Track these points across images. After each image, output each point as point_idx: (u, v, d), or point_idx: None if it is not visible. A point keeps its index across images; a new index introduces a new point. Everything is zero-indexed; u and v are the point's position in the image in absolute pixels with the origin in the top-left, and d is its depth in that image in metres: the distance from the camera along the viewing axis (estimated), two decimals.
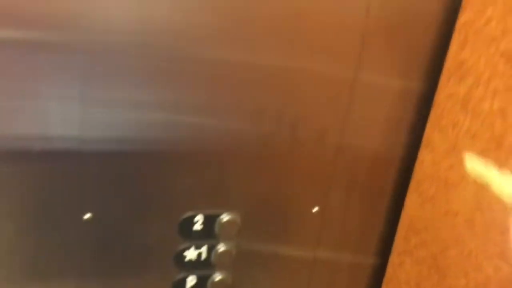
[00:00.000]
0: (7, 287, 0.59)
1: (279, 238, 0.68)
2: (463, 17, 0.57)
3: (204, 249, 0.64)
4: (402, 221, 0.68)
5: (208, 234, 0.64)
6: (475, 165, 0.55)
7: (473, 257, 0.56)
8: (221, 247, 0.65)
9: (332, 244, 0.72)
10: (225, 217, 0.63)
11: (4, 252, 0.58)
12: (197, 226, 0.63)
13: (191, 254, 0.64)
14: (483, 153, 0.55)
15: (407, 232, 0.67)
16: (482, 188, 0.55)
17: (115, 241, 0.61)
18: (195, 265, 0.65)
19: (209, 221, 0.63)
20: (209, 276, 0.66)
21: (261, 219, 0.66)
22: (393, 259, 0.70)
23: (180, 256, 0.64)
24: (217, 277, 0.66)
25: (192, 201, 0.62)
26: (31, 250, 0.58)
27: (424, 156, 0.64)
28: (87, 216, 0.58)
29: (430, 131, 0.63)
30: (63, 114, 0.53)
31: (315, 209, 0.68)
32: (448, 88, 0.60)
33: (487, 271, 0.55)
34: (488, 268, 0.54)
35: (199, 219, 0.63)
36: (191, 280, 0.65)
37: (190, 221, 0.63)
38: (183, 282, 0.65)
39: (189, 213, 0.62)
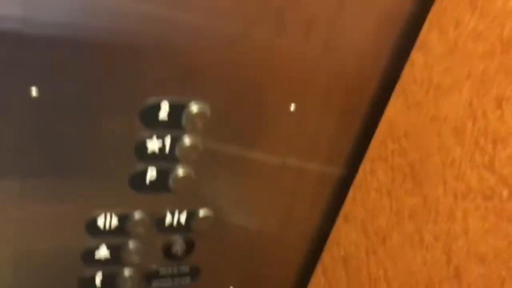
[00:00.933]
0: None
1: (250, 136, 0.63)
2: None
3: (168, 141, 0.58)
4: (381, 126, 0.64)
5: (174, 125, 0.57)
6: None
7: (456, 166, 0.54)
8: (186, 140, 0.59)
9: (305, 148, 0.67)
10: (193, 107, 0.57)
11: None
12: (162, 115, 0.56)
13: (153, 145, 0.58)
14: (486, 56, 0.50)
15: (385, 137, 0.64)
16: (478, 95, 0.51)
17: (64, 127, 0.53)
18: (158, 158, 0.59)
19: (176, 110, 0.56)
20: (171, 170, 0.61)
21: (233, 113, 0.60)
22: (365, 166, 0.67)
23: (141, 146, 0.57)
24: (180, 172, 0.61)
25: (157, 89, 0.55)
26: None
27: (417, 58, 0.59)
28: (34, 93, 0.50)
29: (427, 31, 0.58)
30: None
31: (292, 108, 0.62)
32: None
33: (469, 181, 0.52)
34: (472, 178, 0.52)
35: (165, 107, 0.56)
36: (152, 172, 0.60)
37: (155, 109, 0.55)
38: (143, 174, 0.60)
39: (153, 100, 0.55)
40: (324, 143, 0.68)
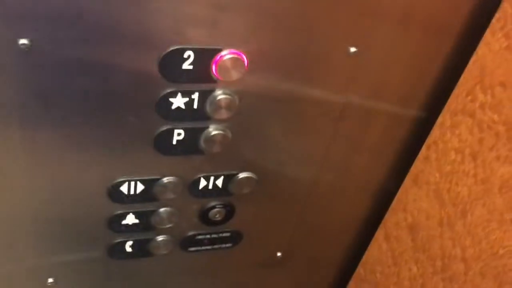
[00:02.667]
0: None
1: (301, 81, 0.51)
2: None
3: (196, 96, 0.47)
4: (469, 70, 0.50)
5: (203, 75, 0.46)
6: None
7: None
8: (219, 93, 0.48)
9: (368, 94, 0.54)
10: (226, 54, 0.45)
11: None
12: (187, 65, 0.45)
13: (178, 101, 0.47)
14: None
15: (473, 85, 0.49)
16: None
17: (83, 84, 0.43)
18: (185, 115, 0.48)
19: (204, 57, 0.45)
20: (202, 129, 0.50)
21: (275, 59, 0.48)
22: (444, 119, 0.54)
23: (164, 102, 0.47)
24: (212, 131, 0.50)
25: (180, 33, 0.43)
26: None
27: None
28: (23, 41, 0.39)
29: None
30: None
31: (352, 50, 0.49)
32: None
33: None
34: None
35: (190, 55, 0.44)
36: (179, 133, 0.50)
37: (178, 58, 0.44)
38: (169, 134, 0.50)
39: (175, 46, 0.43)
40: (392, 87, 0.55)
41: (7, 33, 0.39)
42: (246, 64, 0.46)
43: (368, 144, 0.60)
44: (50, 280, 0.59)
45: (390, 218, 0.63)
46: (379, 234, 0.66)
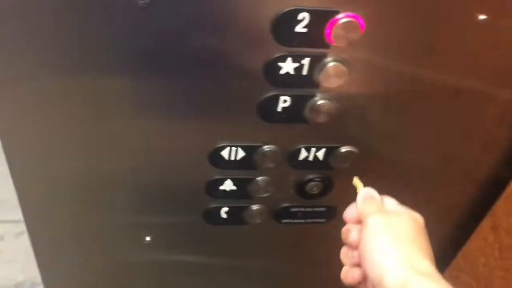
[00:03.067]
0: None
1: (420, 52, 0.47)
2: None
3: (306, 61, 0.45)
4: None
5: (316, 39, 0.44)
6: None
7: None
8: (331, 59, 0.45)
9: (489, 73, 0.49)
10: (343, 17, 0.42)
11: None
12: (301, 28, 0.43)
13: (287, 66, 0.45)
14: None
15: None
16: None
17: (187, 48, 0.43)
18: (292, 81, 0.47)
19: (319, 20, 0.43)
20: (309, 97, 0.48)
21: (393, 25, 0.45)
22: None
23: (273, 67, 0.45)
24: (319, 100, 0.48)
25: None
26: None
27: None
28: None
29: None
30: None
31: (481, 17, 0.44)
32: None
33: None
34: None
35: (305, 17, 0.42)
36: (285, 100, 0.48)
37: (292, 19, 0.42)
38: (274, 100, 0.48)
39: (291, 7, 0.42)
40: None
41: None
42: (362, 29, 0.43)
43: (480, 129, 0.55)
44: (148, 238, 0.61)
45: (501, 207, 0.58)
46: (486, 224, 0.61)
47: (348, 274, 0.43)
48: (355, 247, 0.43)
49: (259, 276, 0.71)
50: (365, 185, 0.47)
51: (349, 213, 0.46)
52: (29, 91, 0.46)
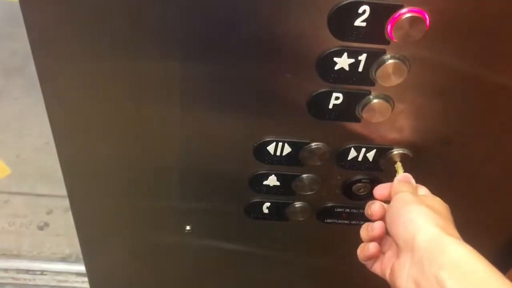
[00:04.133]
0: None
1: (486, 53, 0.43)
2: None
3: (363, 57, 0.43)
4: None
5: (376, 35, 0.41)
6: None
7: None
8: (389, 57, 0.43)
9: None
10: (406, 12, 0.39)
11: None
12: (360, 22, 0.40)
13: (343, 61, 0.43)
14: None
15: None
16: None
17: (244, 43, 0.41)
18: (347, 78, 0.44)
19: (380, 14, 0.40)
20: (363, 95, 0.46)
21: (461, 22, 0.41)
22: None
23: (327, 61, 0.43)
24: (374, 98, 0.46)
25: None
26: None
27: None
28: None
29: None
30: None
31: None
32: None
33: None
34: None
35: (366, 10, 0.39)
36: (338, 97, 0.46)
37: (352, 12, 0.40)
38: (326, 97, 0.46)
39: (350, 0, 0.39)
40: None
41: None
42: (427, 25, 0.40)
43: None
44: (188, 227, 0.61)
45: None
46: None
47: (365, 247, 0.46)
48: (376, 217, 0.45)
49: (297, 271, 0.69)
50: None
51: (380, 189, 0.48)
52: (82, 71, 0.46)
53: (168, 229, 0.63)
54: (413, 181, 0.47)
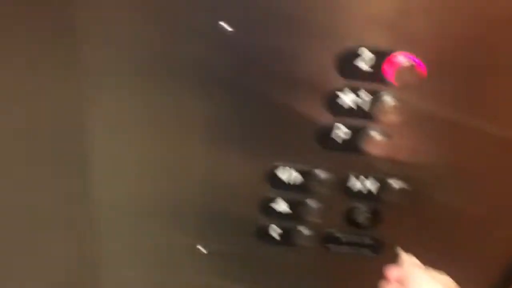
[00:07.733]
0: None
1: (481, 99, 0.49)
2: None
3: (366, 95, 0.49)
4: None
5: (377, 76, 0.47)
6: None
7: None
8: (389, 97, 0.48)
9: None
10: (403, 60, 0.46)
11: None
12: (363, 63, 0.46)
13: (348, 98, 0.49)
14: None
15: None
16: None
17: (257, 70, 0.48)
18: (350, 113, 0.50)
19: (379, 58, 0.46)
20: (364, 129, 0.51)
21: (457, 67, 0.47)
22: None
23: (334, 99, 0.49)
24: (374, 133, 0.51)
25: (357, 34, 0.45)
26: None
27: None
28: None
29: None
30: None
31: None
32: None
33: None
34: None
35: (365, 54, 0.46)
36: (343, 129, 0.52)
37: (352, 55, 0.46)
38: (332, 130, 0.52)
39: (351, 46, 0.46)
40: None
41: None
42: (423, 72, 0.46)
43: None
44: (202, 248, 0.65)
45: None
46: None
47: None
48: None
49: None
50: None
51: (391, 271, 0.52)
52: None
53: (182, 251, 0.67)
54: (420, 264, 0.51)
